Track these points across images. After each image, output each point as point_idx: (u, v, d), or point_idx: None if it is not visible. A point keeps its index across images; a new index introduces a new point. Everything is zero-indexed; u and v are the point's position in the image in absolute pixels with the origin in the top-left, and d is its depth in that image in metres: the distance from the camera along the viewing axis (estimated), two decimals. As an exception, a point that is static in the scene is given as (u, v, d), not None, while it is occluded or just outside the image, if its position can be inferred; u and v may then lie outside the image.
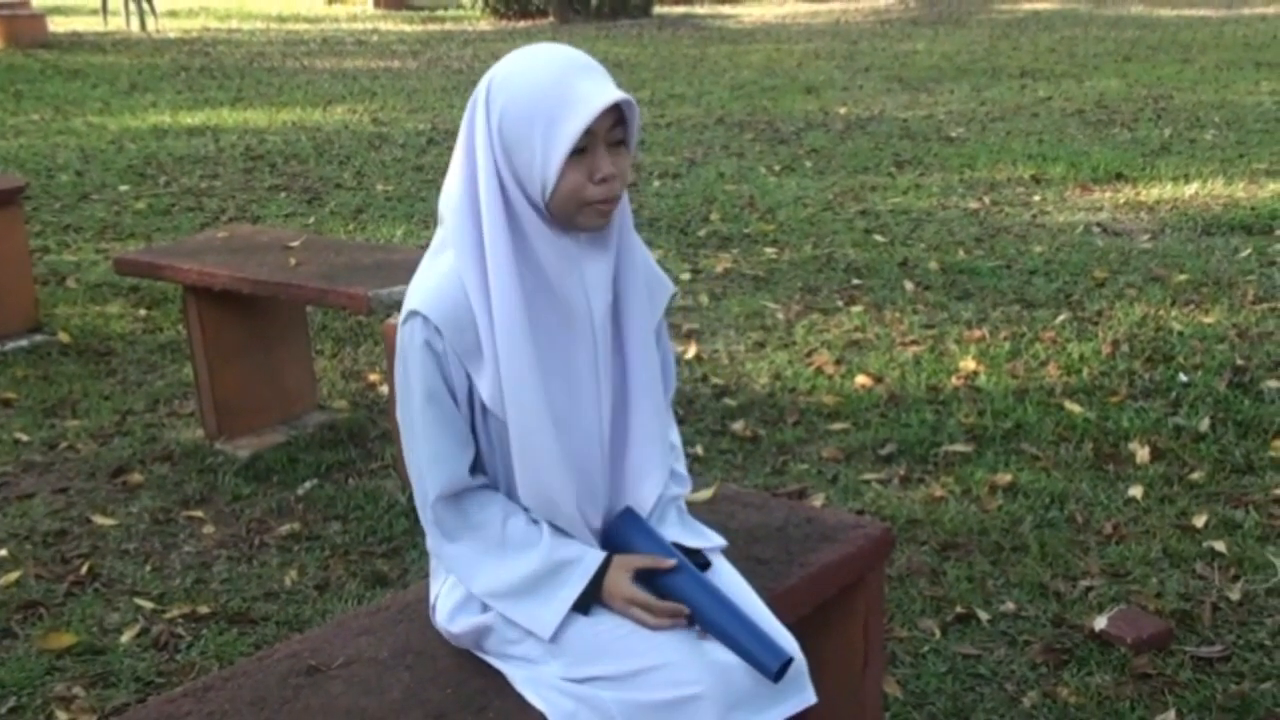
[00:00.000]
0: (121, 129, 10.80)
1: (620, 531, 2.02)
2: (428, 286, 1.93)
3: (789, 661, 1.90)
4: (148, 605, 3.40)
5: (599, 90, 1.84)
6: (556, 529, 1.98)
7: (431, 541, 2.04)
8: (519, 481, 1.96)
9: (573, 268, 1.94)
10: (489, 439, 1.98)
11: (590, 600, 1.95)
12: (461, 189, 1.92)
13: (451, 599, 2.05)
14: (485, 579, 1.97)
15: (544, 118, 1.83)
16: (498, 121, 1.87)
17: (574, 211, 1.89)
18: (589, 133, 1.84)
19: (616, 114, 1.87)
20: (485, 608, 2.00)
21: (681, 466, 2.19)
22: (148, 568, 3.62)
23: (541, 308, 1.93)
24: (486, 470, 2.01)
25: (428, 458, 1.95)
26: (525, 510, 2.00)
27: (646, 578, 1.95)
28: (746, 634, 1.90)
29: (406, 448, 1.99)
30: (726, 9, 21.92)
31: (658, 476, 2.07)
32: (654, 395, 2.07)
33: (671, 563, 1.95)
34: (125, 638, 3.25)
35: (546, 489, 1.95)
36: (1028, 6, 20.46)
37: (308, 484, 4.11)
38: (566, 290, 1.94)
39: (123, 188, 8.50)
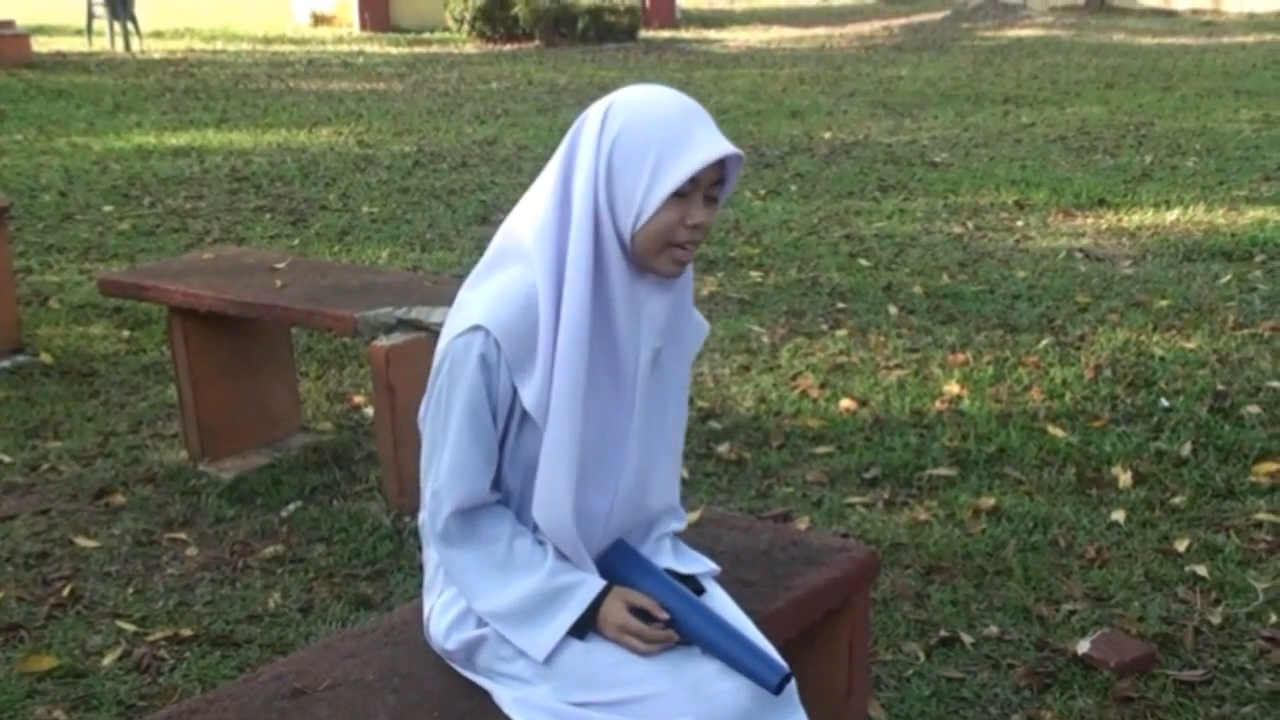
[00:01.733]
0: (106, 149, 10.79)
1: (614, 564, 2.03)
2: (491, 299, 1.93)
3: (789, 676, 1.92)
4: (130, 628, 3.39)
5: (717, 140, 1.90)
6: (561, 553, 1.99)
7: (433, 549, 2.04)
8: (536, 492, 1.96)
9: (634, 308, 1.96)
10: (516, 452, 1.98)
11: (586, 627, 1.96)
12: (554, 205, 1.92)
13: (448, 615, 2.05)
14: (486, 596, 1.98)
15: (659, 149, 1.87)
16: (611, 142, 1.89)
17: (656, 250, 1.91)
18: (693, 180, 1.88)
19: (720, 171, 1.92)
20: (481, 623, 2.01)
21: (677, 499, 2.20)
22: (130, 590, 3.60)
23: (599, 342, 1.93)
24: (501, 486, 2.02)
25: (451, 471, 1.95)
26: (533, 531, 2.01)
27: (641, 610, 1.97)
28: (745, 652, 1.94)
29: (428, 457, 1.99)
30: (712, 33, 22.00)
31: (656, 512, 2.11)
32: (677, 438, 2.12)
33: (665, 617, 1.96)
34: (107, 660, 3.23)
35: (556, 506, 1.95)
36: (1011, 33, 20.59)
37: (292, 506, 4.10)
38: (624, 330, 1.95)
39: (107, 208, 8.48)
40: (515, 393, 1.93)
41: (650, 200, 1.87)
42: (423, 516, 2.01)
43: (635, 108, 1.91)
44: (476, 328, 1.90)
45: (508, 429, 1.97)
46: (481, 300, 1.94)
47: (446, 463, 1.95)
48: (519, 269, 1.93)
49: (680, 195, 1.88)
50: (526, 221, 1.96)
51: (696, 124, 1.90)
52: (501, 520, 2.00)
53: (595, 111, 1.93)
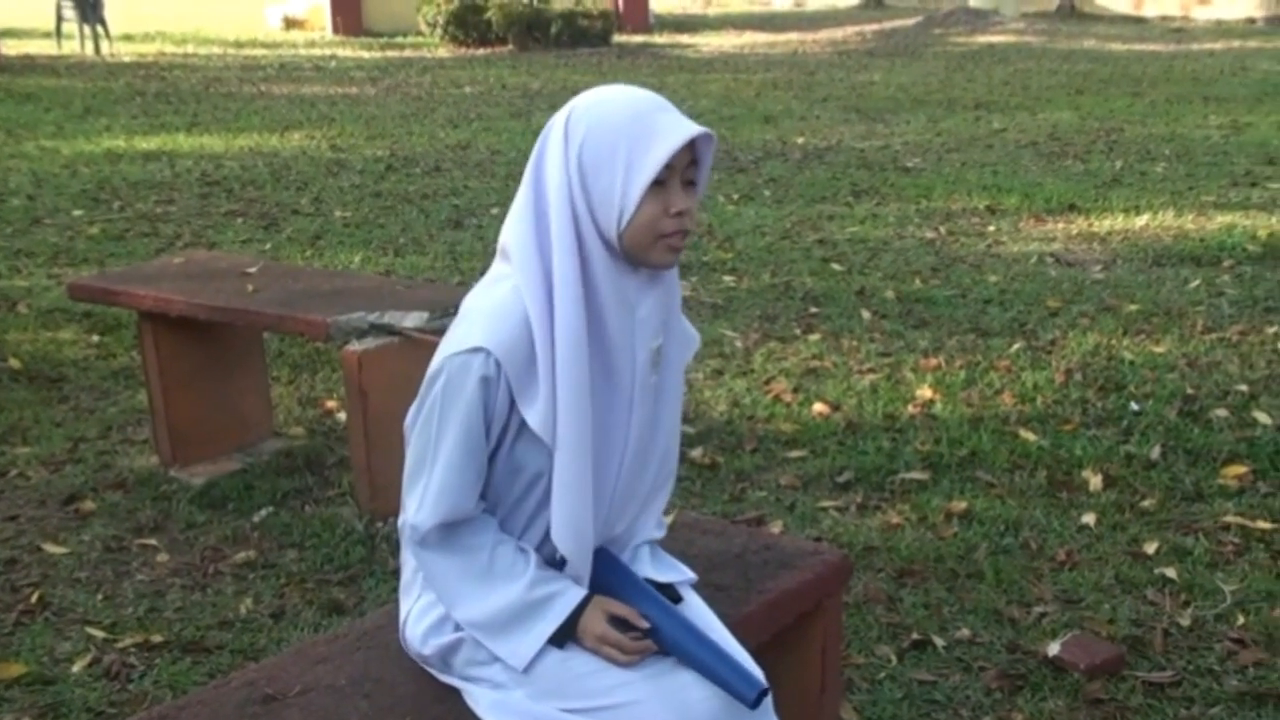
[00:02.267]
0: (75, 153, 10.72)
1: (596, 571, 2.03)
2: (490, 318, 1.91)
3: (765, 691, 1.92)
4: (99, 634, 3.37)
5: (683, 123, 1.89)
6: (543, 564, 1.99)
7: (412, 554, 2.03)
8: (554, 511, 1.95)
9: (627, 308, 1.95)
10: (511, 464, 1.97)
11: (567, 636, 1.96)
12: (531, 220, 1.91)
13: (425, 620, 2.05)
14: (466, 604, 1.97)
15: (628, 146, 1.86)
16: (578, 150, 1.88)
17: (648, 244, 1.91)
18: (668, 167, 1.87)
19: (692, 154, 1.91)
20: (459, 627, 2.01)
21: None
22: (99, 596, 3.58)
23: (595, 347, 1.93)
24: (487, 497, 2.01)
25: (440, 488, 1.93)
26: (514, 540, 2.00)
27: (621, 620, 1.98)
28: (723, 665, 1.94)
29: (414, 467, 1.96)
30: (685, 38, 22.04)
31: (643, 519, 2.12)
32: (673, 444, 2.13)
33: (645, 625, 1.96)
34: (76, 667, 3.21)
35: (578, 521, 1.95)
36: (982, 39, 20.70)
37: (263, 512, 4.08)
38: (618, 332, 1.95)
39: (76, 212, 8.43)
40: (512, 408, 1.91)
41: (630, 197, 1.87)
42: (402, 520, 2.00)
43: (596, 111, 1.90)
44: (477, 349, 1.88)
45: (500, 441, 1.95)
46: (481, 319, 1.91)
47: (436, 479, 1.93)
48: (512, 286, 1.92)
49: (658, 185, 1.88)
50: (510, 240, 1.95)
51: (659, 113, 1.90)
52: (484, 529, 1.98)
53: (557, 122, 1.92)
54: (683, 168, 1.90)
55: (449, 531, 1.96)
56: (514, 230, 1.94)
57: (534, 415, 1.90)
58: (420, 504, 1.95)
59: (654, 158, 1.85)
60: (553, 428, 1.90)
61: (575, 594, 1.98)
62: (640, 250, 1.91)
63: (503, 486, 2.00)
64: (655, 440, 2.07)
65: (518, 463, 1.96)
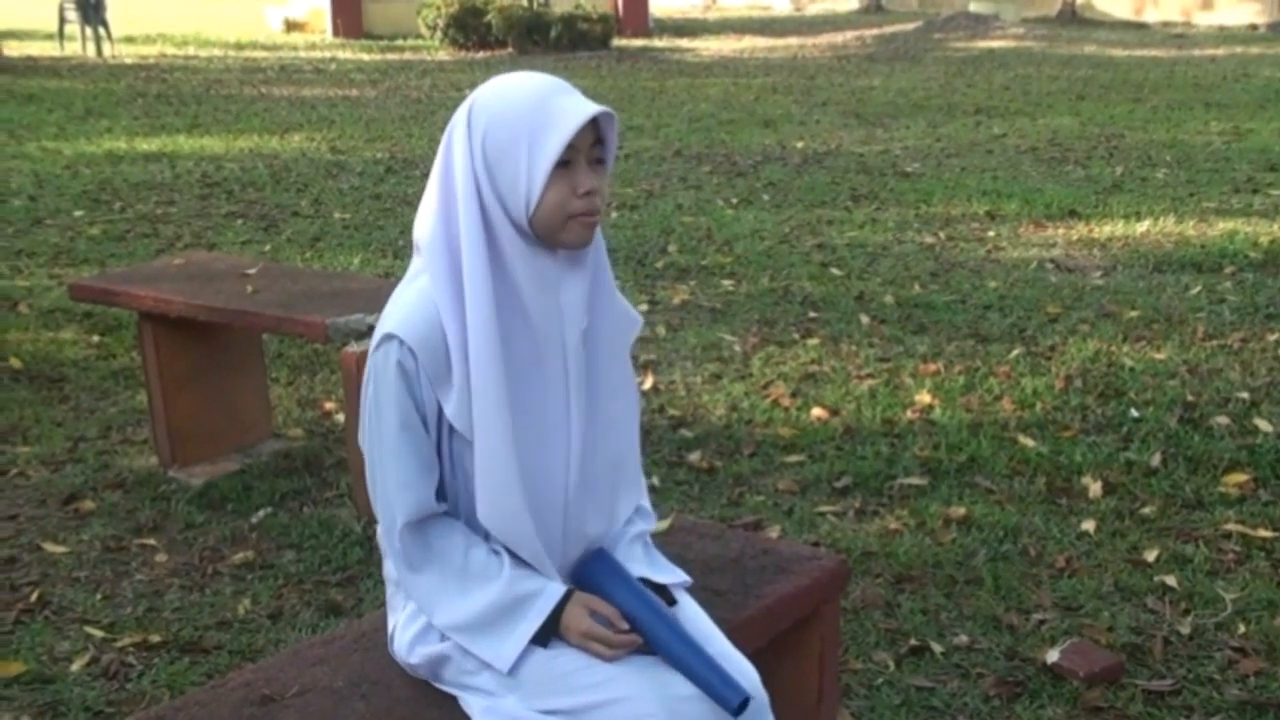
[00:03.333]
0: (76, 154, 10.73)
1: (591, 571, 2.03)
2: (402, 310, 1.94)
3: (748, 699, 1.92)
4: (98, 634, 3.37)
5: (581, 104, 1.90)
6: (518, 560, 1.98)
7: (393, 569, 2.04)
8: (479, 504, 1.96)
9: (549, 291, 1.96)
10: (452, 463, 1.98)
11: (550, 634, 1.95)
12: (439, 212, 1.94)
13: (410, 630, 2.04)
14: (446, 610, 1.97)
15: (528, 132, 1.88)
16: (480, 140, 1.90)
17: (559, 226, 1.92)
18: (571, 148, 1.88)
19: (595, 133, 1.92)
20: (444, 637, 2.00)
21: (646, 502, 2.20)
22: (98, 596, 3.58)
23: (516, 334, 1.94)
24: (447, 496, 2.01)
25: (396, 484, 1.94)
26: (486, 539, 2.00)
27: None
28: (708, 669, 1.93)
29: (372, 474, 1.99)
30: (685, 42, 22.05)
31: (625, 505, 2.10)
32: (626, 425, 2.10)
33: (625, 627, 1.96)
34: (75, 666, 3.21)
35: (506, 512, 1.95)
36: (983, 44, 20.71)
37: (262, 512, 4.08)
38: (541, 316, 1.95)
39: (77, 213, 8.43)
40: (439, 403, 1.93)
41: (535, 181, 1.88)
42: (380, 533, 2.01)
43: (495, 100, 1.92)
44: (389, 337, 1.91)
45: (440, 437, 1.96)
46: (395, 311, 1.95)
47: (390, 477, 1.95)
48: (426, 280, 1.95)
49: (564, 166, 1.89)
50: (420, 235, 1.97)
51: (557, 96, 1.91)
52: (453, 531, 1.99)
53: (459, 116, 1.95)
54: (587, 147, 1.92)
55: (421, 537, 1.97)
56: (424, 225, 1.97)
57: (450, 406, 1.92)
58: (385, 505, 1.96)
59: (555, 140, 1.87)
60: (469, 418, 1.91)
61: (555, 590, 1.97)
62: (552, 232, 1.92)
63: (453, 488, 2.00)
64: (609, 413, 2.06)
65: (457, 461, 1.97)
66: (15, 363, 5.47)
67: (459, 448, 1.96)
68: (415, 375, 1.91)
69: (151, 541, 3.90)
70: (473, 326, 1.89)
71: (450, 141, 1.95)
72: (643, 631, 1.95)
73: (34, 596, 3.55)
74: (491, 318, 1.89)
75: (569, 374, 1.99)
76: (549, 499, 1.99)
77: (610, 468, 2.08)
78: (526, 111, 1.89)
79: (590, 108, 1.89)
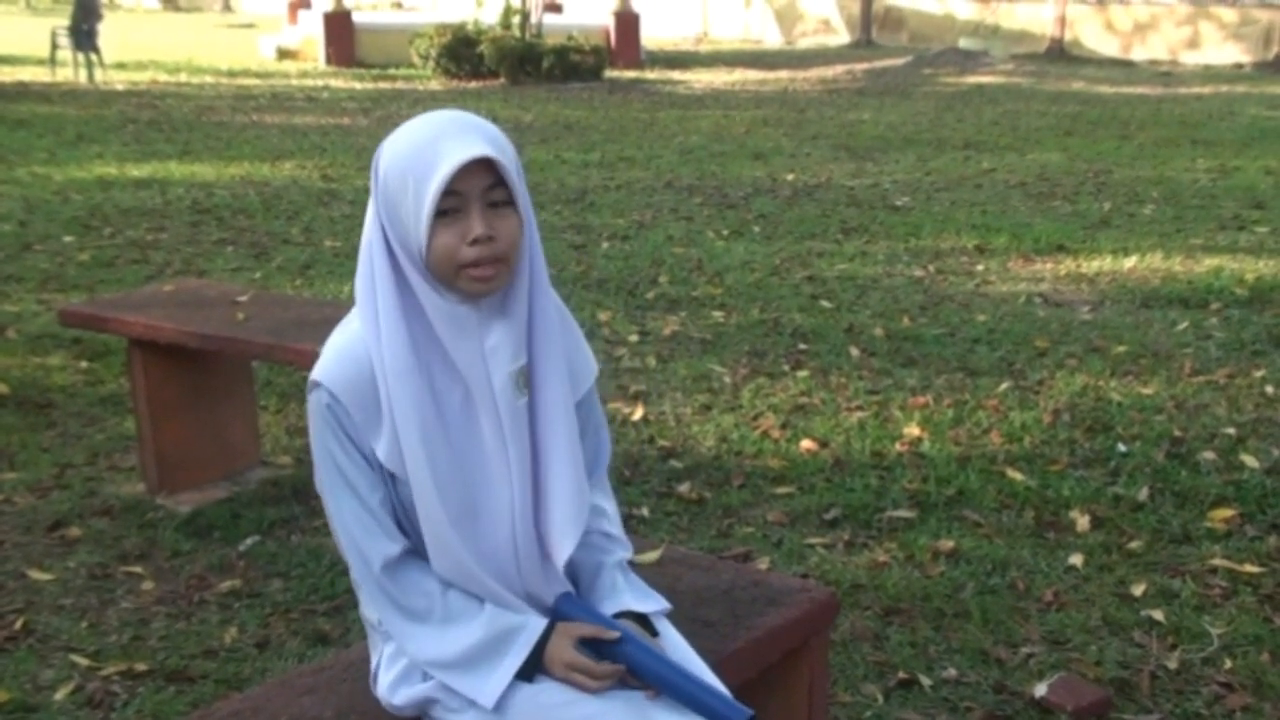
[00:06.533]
0: (67, 180, 10.72)
1: (562, 616, 2.00)
2: (330, 354, 1.93)
3: (753, 718, 1.89)
4: (83, 662, 3.35)
5: (463, 148, 1.81)
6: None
7: (370, 612, 2.02)
8: (428, 546, 1.94)
9: (468, 336, 1.91)
10: (401, 504, 1.96)
11: (534, 668, 1.94)
12: (363, 255, 1.92)
13: (393, 670, 2.02)
14: (429, 650, 1.95)
15: (413, 178, 1.82)
16: (381, 184, 1.88)
17: (451, 275, 1.86)
18: (456, 193, 1.82)
19: (493, 175, 1.85)
20: (427, 677, 1.98)
21: (618, 530, 2.15)
22: (84, 624, 3.56)
23: (439, 376, 1.91)
24: (409, 534, 1.99)
25: (358, 528, 1.93)
26: None
27: (594, 646, 1.95)
28: (706, 693, 1.90)
29: (332, 521, 1.96)
30: (676, 74, 22.14)
31: (570, 542, 2.02)
32: (570, 464, 2.01)
33: (615, 634, 1.94)
34: (59, 695, 3.19)
35: (446, 550, 1.93)
36: (972, 80, 20.83)
37: (249, 540, 4.07)
38: (462, 358, 1.91)
39: (67, 239, 8.43)
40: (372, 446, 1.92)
41: (419, 230, 1.83)
42: (353, 577, 1.99)
43: (394, 142, 1.88)
44: (315, 384, 1.91)
45: (384, 478, 1.94)
46: (324, 356, 1.94)
47: (350, 521, 1.93)
48: (355, 325, 1.94)
49: (454, 213, 1.84)
50: (356, 278, 1.96)
51: (444, 139, 1.82)
52: (429, 574, 1.97)
53: (375, 157, 1.92)
54: (481, 191, 1.84)
55: (401, 578, 1.95)
56: (358, 268, 1.94)
57: (381, 449, 1.90)
58: (354, 550, 1.94)
59: (430, 190, 1.81)
60: (400, 460, 1.90)
61: (537, 624, 1.95)
62: (448, 281, 1.87)
63: (409, 527, 1.98)
64: (552, 453, 1.99)
65: (405, 503, 1.95)
66: (2, 388, 5.45)
67: (404, 491, 1.94)
68: (344, 420, 1.89)
69: (138, 569, 3.89)
70: (388, 372, 1.88)
71: (370, 186, 1.93)
72: (632, 667, 1.93)
73: (18, 624, 3.54)
74: (407, 363, 1.87)
75: (500, 415, 1.94)
76: (498, 536, 1.96)
77: (566, 502, 2.01)
78: (413, 156, 1.83)
79: (470, 152, 1.80)
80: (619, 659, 1.93)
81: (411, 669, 2.00)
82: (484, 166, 1.83)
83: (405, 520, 1.97)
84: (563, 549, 2.01)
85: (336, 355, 1.92)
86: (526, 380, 1.98)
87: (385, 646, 2.04)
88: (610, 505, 2.18)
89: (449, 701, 1.96)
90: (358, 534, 1.93)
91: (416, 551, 1.98)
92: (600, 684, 1.92)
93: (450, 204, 1.82)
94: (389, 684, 2.02)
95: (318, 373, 1.91)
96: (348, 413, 1.89)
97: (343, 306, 5.12)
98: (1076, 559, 3.91)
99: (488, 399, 1.93)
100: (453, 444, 1.92)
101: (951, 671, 3.31)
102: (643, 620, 2.04)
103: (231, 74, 21.11)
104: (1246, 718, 3.11)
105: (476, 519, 1.95)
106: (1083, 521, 4.14)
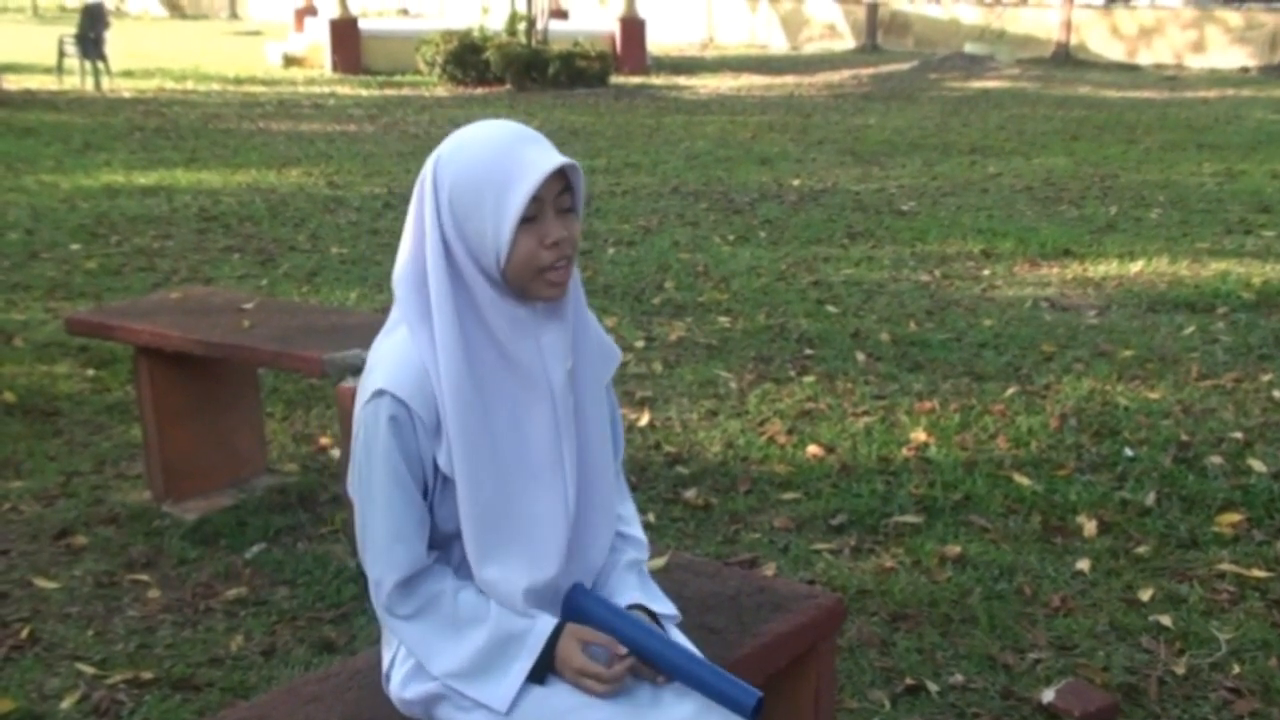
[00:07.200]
0: (74, 188, 10.74)
1: (576, 606, 2.01)
2: (388, 363, 1.94)
3: (762, 699, 1.90)
4: (89, 670, 3.35)
5: (545, 157, 1.89)
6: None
7: (384, 619, 2.03)
8: (470, 552, 1.96)
9: (528, 336, 1.96)
10: (447, 511, 1.98)
11: (544, 670, 1.94)
12: (410, 265, 1.95)
13: (405, 667, 2.04)
14: (440, 658, 1.96)
15: (494, 187, 1.87)
16: (448, 196, 1.90)
17: (530, 279, 1.91)
18: (537, 199, 1.88)
19: (563, 181, 1.92)
20: (438, 674, 1.99)
21: (638, 530, 2.20)
22: (90, 632, 3.56)
23: (498, 378, 1.94)
24: (438, 545, 2.01)
25: (387, 539, 1.94)
26: (473, 584, 1.99)
27: (604, 626, 1.97)
28: (716, 677, 1.92)
29: (362, 527, 1.98)
30: (682, 80, 22.13)
31: (605, 540, 2.09)
32: (607, 460, 2.10)
33: (624, 651, 1.95)
34: (66, 704, 3.19)
35: (496, 559, 1.95)
36: (978, 85, 20.81)
37: (256, 548, 4.07)
38: (522, 359, 1.95)
39: (74, 246, 8.44)
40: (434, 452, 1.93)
41: (502, 236, 1.88)
42: (370, 584, 2.00)
43: (459, 155, 1.92)
44: (380, 392, 1.91)
45: (434, 486, 1.96)
46: (381, 365, 1.95)
47: (381, 532, 1.95)
48: (406, 331, 1.96)
49: (531, 220, 1.89)
50: (397, 287, 1.97)
51: (521, 147, 1.91)
52: (442, 577, 1.99)
53: (427, 170, 1.95)
54: (554, 197, 1.92)
55: (410, 591, 1.96)
56: (400, 277, 1.97)
57: (443, 455, 1.93)
58: (375, 559, 1.96)
59: (518, 195, 1.87)
60: (462, 465, 1.92)
61: (546, 625, 1.97)
62: (524, 285, 1.93)
63: (445, 536, 2.00)
64: (592, 448, 2.06)
65: (451, 508, 1.97)
66: (9, 396, 5.46)
67: (454, 495, 1.96)
68: (410, 428, 1.91)
69: (144, 577, 3.89)
70: (444, 377, 1.90)
71: (420, 196, 1.95)
72: (643, 653, 1.94)
73: (24, 633, 3.54)
74: (462, 367, 1.90)
75: (558, 415, 1.99)
76: (551, 540, 1.99)
77: (604, 500, 2.09)
78: (491, 164, 1.89)
79: (554, 160, 1.89)
80: (629, 644, 1.94)
81: (421, 666, 2.01)
82: (558, 173, 1.90)
83: (441, 529, 1.99)
84: (595, 552, 2.07)
85: (397, 365, 1.93)
86: (571, 380, 2.02)
87: (400, 644, 2.04)
88: (627, 505, 2.21)
89: (460, 701, 1.98)
90: (385, 545, 1.95)
91: (439, 560, 2.01)
92: (609, 688, 1.93)
93: (531, 211, 1.88)
94: (401, 679, 2.04)
95: (383, 382, 1.91)
96: (420, 420, 1.91)
97: (350, 313, 5.14)
98: (1084, 564, 3.90)
99: (546, 399, 1.98)
100: (504, 450, 1.95)
101: (959, 677, 3.30)
102: (653, 618, 2.07)
103: (238, 81, 21.14)
104: (1255, 723, 3.10)
105: (532, 521, 1.97)
106: (1090, 526, 4.14)
